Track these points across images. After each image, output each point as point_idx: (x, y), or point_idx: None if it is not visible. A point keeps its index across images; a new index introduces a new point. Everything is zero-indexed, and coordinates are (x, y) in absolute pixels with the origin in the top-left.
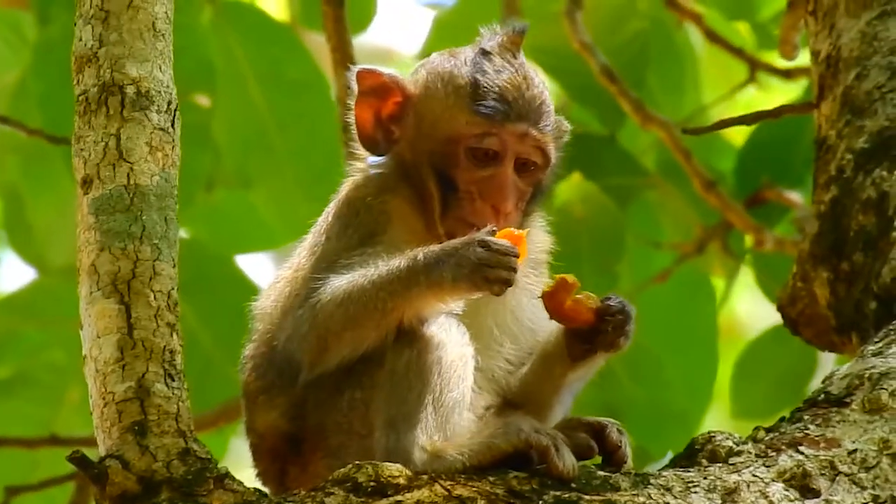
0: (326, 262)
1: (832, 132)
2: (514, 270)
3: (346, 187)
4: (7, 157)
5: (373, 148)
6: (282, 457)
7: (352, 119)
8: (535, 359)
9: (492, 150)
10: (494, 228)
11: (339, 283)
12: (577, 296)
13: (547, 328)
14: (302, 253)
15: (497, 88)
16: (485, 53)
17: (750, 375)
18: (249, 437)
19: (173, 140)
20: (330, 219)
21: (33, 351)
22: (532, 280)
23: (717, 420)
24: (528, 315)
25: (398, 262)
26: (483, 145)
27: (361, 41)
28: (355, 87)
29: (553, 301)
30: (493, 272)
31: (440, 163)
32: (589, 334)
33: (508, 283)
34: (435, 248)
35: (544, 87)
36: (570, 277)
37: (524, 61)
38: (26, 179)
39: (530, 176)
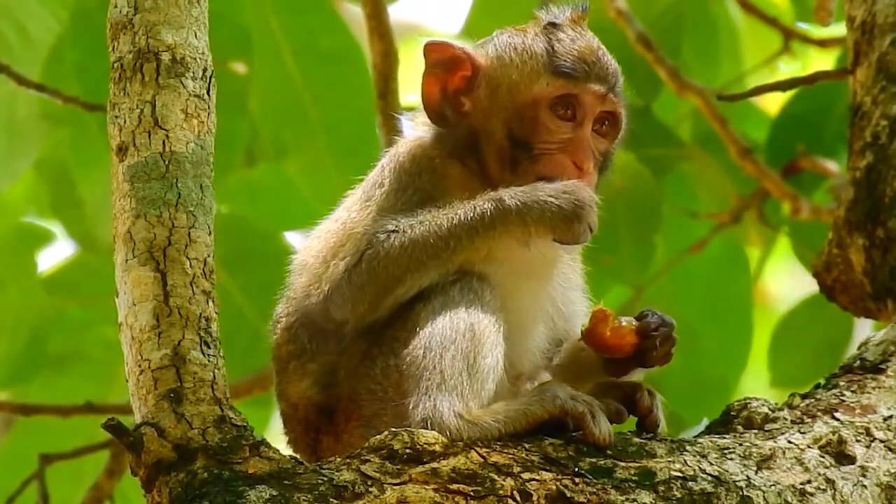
0: (381, 218)
1: (867, 98)
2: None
3: (407, 143)
4: (54, 130)
5: (441, 121)
6: (315, 427)
7: (419, 92)
8: (569, 364)
9: (573, 107)
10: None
11: (405, 232)
12: (614, 323)
13: (577, 314)
14: (352, 206)
15: (575, 52)
16: (554, 26)
17: (788, 344)
18: (281, 405)
19: (209, 107)
20: (386, 172)
21: (82, 327)
22: (566, 264)
23: (756, 389)
24: (560, 298)
25: (477, 202)
26: (565, 103)
27: (390, 16)
28: (423, 60)
29: (594, 336)
30: (588, 219)
31: (518, 129)
32: (635, 356)
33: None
34: (524, 187)
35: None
36: (603, 309)
37: (594, 35)
38: (75, 155)
39: (603, 142)
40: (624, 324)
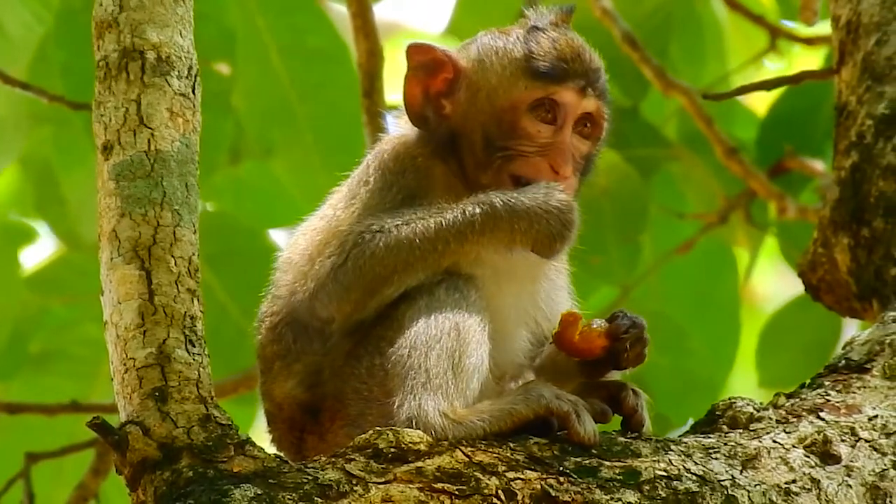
0: (366, 217)
1: (852, 98)
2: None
3: (391, 141)
4: (37, 129)
5: (422, 123)
6: (299, 426)
7: (401, 94)
8: (547, 365)
9: (553, 109)
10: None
11: (391, 232)
12: (584, 327)
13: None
14: (338, 204)
15: (554, 52)
16: (536, 29)
17: (776, 345)
18: (265, 404)
19: (194, 106)
20: (371, 170)
21: (64, 326)
22: (551, 265)
23: (745, 390)
24: (544, 298)
25: (467, 206)
26: (544, 105)
27: (375, 15)
28: (406, 62)
29: (563, 340)
30: (570, 243)
31: (496, 133)
32: (608, 358)
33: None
34: (515, 193)
35: (597, 56)
36: (573, 312)
37: (576, 35)
38: (58, 153)
39: (585, 144)
40: (594, 327)
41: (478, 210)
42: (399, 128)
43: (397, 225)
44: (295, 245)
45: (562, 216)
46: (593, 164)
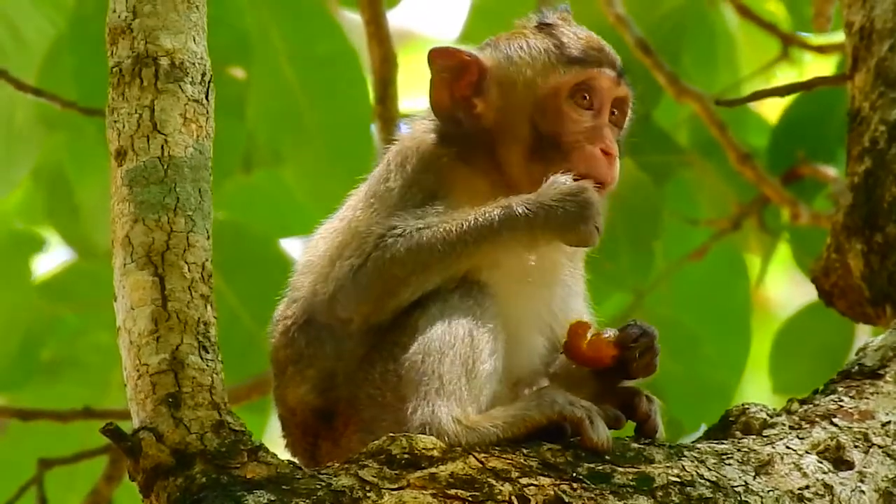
0: (386, 217)
1: (865, 104)
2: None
3: (414, 139)
4: (50, 135)
5: (454, 125)
6: (313, 431)
7: (428, 99)
8: (562, 373)
9: (590, 94)
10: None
11: (411, 235)
12: (594, 336)
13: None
14: (357, 204)
15: (582, 41)
16: (549, 25)
17: (789, 351)
18: (279, 409)
19: (207, 112)
20: (392, 167)
21: (76, 333)
22: (567, 271)
23: (759, 396)
24: (559, 305)
25: (486, 209)
26: (581, 91)
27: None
28: (429, 66)
29: (572, 349)
30: (595, 221)
31: (542, 122)
32: (618, 368)
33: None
34: (532, 194)
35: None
36: (581, 321)
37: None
38: (71, 159)
39: (615, 131)
40: (605, 336)
41: (496, 212)
42: (418, 129)
43: (418, 228)
44: (314, 248)
45: (578, 198)
46: (622, 151)
